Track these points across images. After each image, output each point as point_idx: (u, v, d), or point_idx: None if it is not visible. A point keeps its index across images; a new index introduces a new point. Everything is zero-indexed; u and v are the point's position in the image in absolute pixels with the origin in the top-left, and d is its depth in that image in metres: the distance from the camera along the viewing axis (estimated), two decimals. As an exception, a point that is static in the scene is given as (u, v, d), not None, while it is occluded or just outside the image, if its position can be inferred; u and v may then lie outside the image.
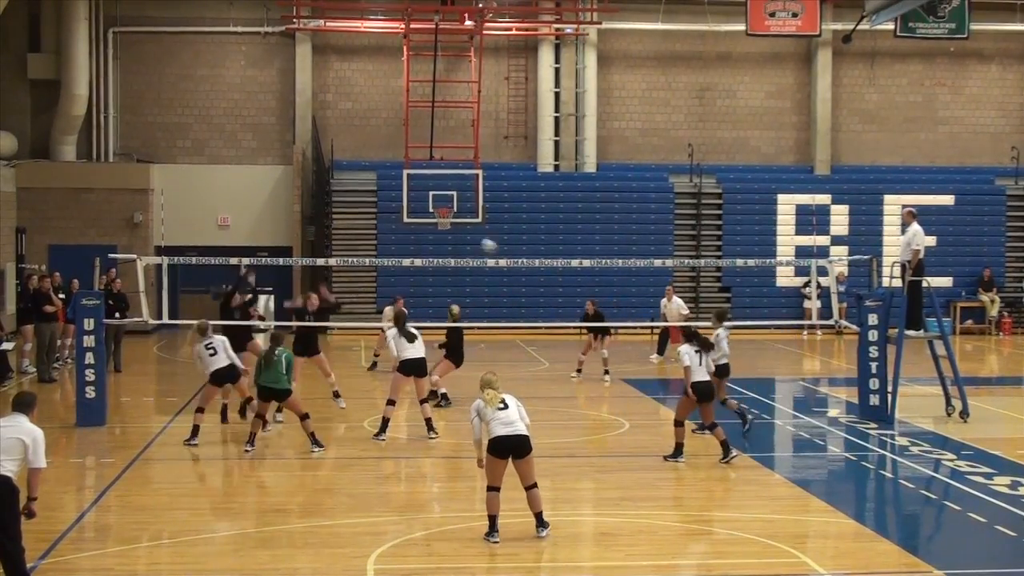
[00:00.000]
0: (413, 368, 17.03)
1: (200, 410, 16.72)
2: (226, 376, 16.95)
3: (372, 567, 10.68)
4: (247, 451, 15.69)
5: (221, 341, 17.05)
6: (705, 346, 15.31)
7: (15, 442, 9.43)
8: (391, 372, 17.42)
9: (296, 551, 11.45)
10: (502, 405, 11.66)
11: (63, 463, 15.37)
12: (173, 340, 30.62)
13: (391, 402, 16.85)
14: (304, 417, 15.91)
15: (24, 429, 9.54)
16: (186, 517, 12.60)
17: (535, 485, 11.65)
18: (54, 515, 12.02)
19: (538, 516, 11.68)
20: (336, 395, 19.11)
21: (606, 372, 22.86)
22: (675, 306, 26.10)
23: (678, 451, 15.34)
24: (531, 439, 11.73)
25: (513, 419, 11.60)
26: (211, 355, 16.75)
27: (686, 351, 15.14)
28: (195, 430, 16.49)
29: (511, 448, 11.53)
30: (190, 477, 15.11)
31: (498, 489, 11.56)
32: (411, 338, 17.11)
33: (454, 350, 19.46)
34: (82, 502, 13.27)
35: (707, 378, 15.19)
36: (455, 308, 20.20)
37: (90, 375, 17.80)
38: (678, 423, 15.40)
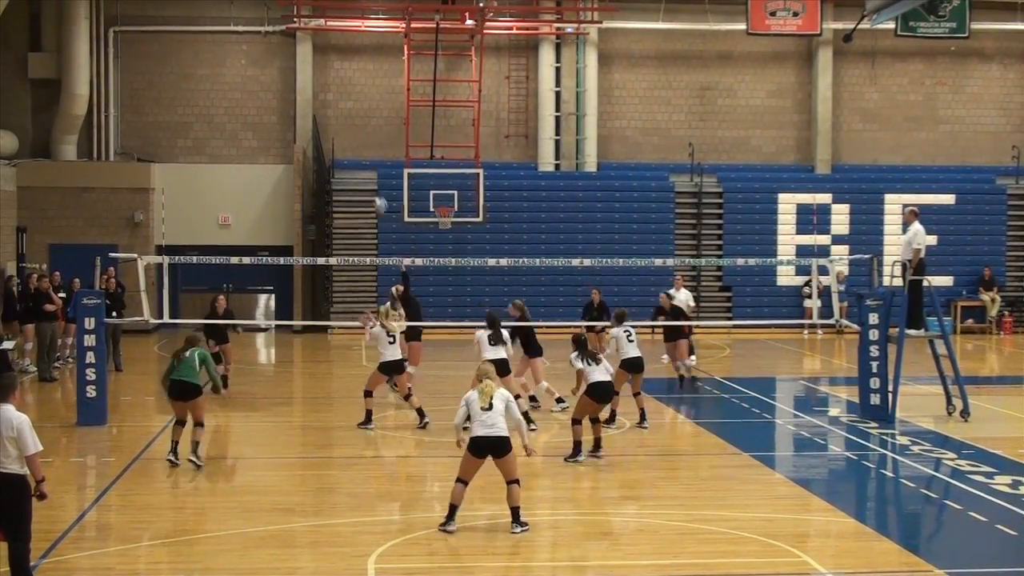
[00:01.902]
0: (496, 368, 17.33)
1: (407, 397, 17.63)
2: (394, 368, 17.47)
3: (373, 566, 10.68)
4: (173, 460, 14.84)
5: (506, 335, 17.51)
6: (586, 355, 15.42)
7: (5, 440, 9.27)
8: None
9: (297, 550, 11.45)
10: (487, 405, 11.85)
11: (64, 462, 15.38)
12: (174, 339, 30.54)
13: None
14: (199, 424, 14.96)
15: (7, 422, 9.31)
16: (187, 516, 12.61)
17: (516, 481, 11.85)
18: (55, 514, 12.01)
19: (514, 511, 11.81)
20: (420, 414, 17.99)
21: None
22: (683, 297, 26.10)
23: (577, 449, 15.29)
24: (511, 439, 11.92)
25: (494, 421, 11.82)
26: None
27: (574, 357, 15.49)
28: (368, 415, 17.24)
29: (490, 449, 11.80)
30: (191, 476, 15.08)
31: (466, 483, 11.86)
32: (495, 340, 17.37)
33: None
34: (83, 501, 13.27)
35: (607, 379, 15.32)
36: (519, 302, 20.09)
37: (91, 374, 17.80)
38: (575, 421, 15.40)
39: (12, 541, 9.35)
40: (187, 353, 15.00)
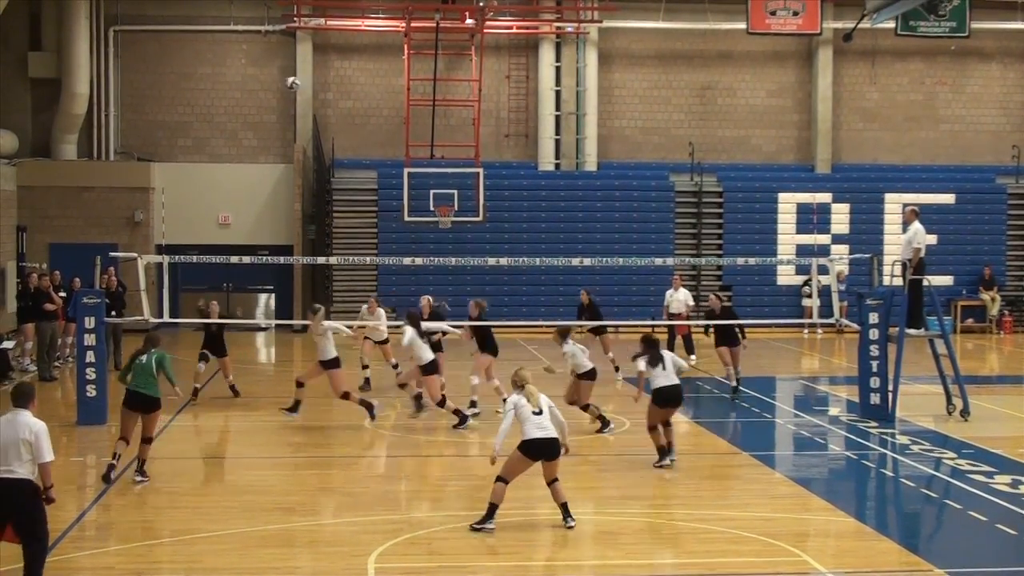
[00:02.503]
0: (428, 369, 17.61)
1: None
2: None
3: (372, 566, 10.68)
4: (137, 480, 13.92)
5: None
6: (654, 355, 14.88)
7: (20, 442, 9.38)
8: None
9: (297, 550, 11.46)
10: (537, 411, 11.97)
11: (64, 462, 15.34)
12: (174, 339, 30.54)
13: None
14: (147, 440, 13.92)
15: (26, 426, 9.45)
16: (187, 516, 12.59)
17: (557, 479, 12.00)
18: (55, 514, 11.92)
19: (563, 507, 11.97)
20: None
21: (616, 369, 22.16)
22: (682, 296, 26.09)
23: (661, 453, 14.95)
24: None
25: (547, 424, 11.97)
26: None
27: (641, 360, 14.93)
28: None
29: (544, 451, 11.90)
30: (191, 476, 15.09)
31: (507, 483, 11.89)
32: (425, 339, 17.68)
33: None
34: (83, 500, 13.27)
35: (673, 382, 14.82)
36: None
37: (91, 374, 17.80)
38: (652, 428, 15.01)
39: (31, 541, 9.37)
40: (143, 358, 13.90)
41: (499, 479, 11.87)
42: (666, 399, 14.84)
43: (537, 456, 11.92)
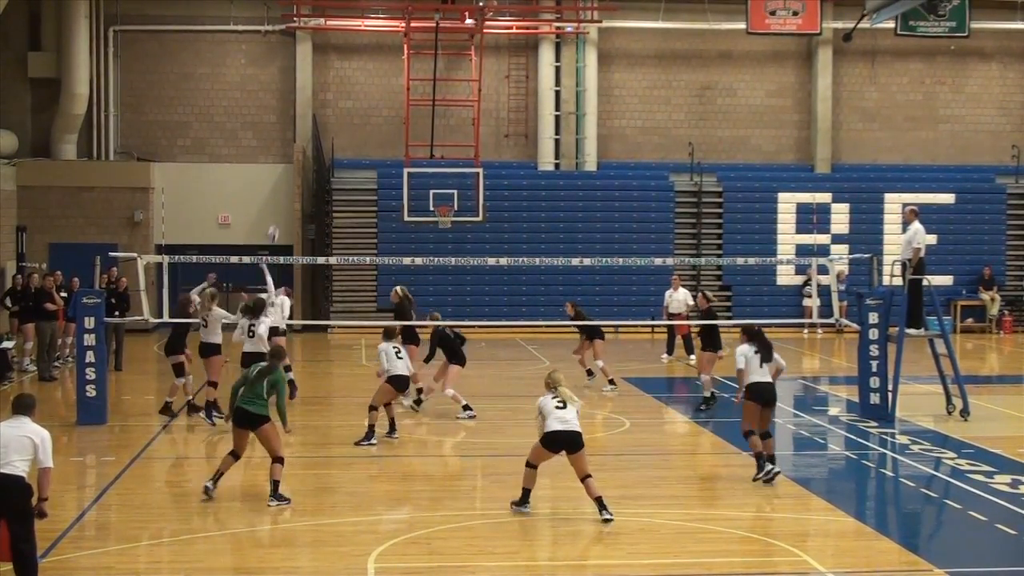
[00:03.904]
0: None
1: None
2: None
3: (373, 565, 10.68)
4: (209, 489, 13.20)
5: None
6: (766, 347, 13.87)
7: (26, 441, 9.48)
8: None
9: (297, 549, 11.45)
10: (561, 404, 12.20)
11: (64, 462, 15.34)
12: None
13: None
14: (277, 460, 12.99)
15: (32, 429, 9.59)
16: (187, 516, 12.60)
17: (590, 475, 12.22)
18: (55, 513, 11.94)
19: (598, 501, 12.16)
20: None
21: (610, 381, 21.45)
22: (681, 296, 26.09)
23: (760, 463, 13.82)
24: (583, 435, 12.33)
25: (569, 417, 12.17)
26: (398, 357, 16.52)
27: (743, 351, 13.87)
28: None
29: (564, 443, 12.17)
30: (191, 476, 15.08)
31: (536, 467, 12.33)
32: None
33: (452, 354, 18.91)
34: (83, 500, 13.27)
35: (768, 379, 13.89)
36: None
37: (91, 374, 17.80)
38: (748, 433, 13.90)
39: (20, 541, 9.38)
40: (255, 374, 13.24)
41: (528, 464, 12.35)
42: (761, 395, 13.88)
43: (557, 448, 12.17)
